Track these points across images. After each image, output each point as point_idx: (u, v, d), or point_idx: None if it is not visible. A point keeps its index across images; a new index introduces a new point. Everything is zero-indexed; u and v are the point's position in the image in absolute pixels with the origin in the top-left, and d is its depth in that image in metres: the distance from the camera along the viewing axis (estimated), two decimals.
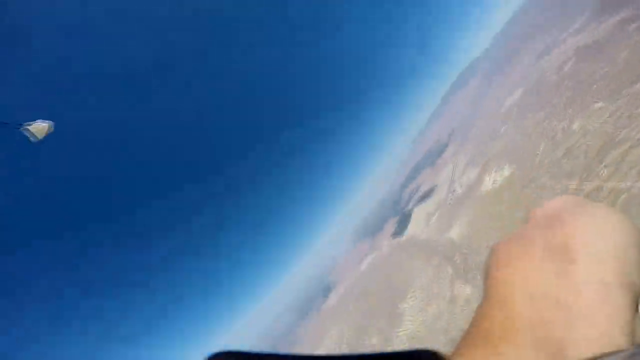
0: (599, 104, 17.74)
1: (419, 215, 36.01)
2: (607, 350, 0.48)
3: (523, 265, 0.60)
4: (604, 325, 0.50)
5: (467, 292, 17.21)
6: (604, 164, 14.07)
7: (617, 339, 0.49)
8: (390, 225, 43.69)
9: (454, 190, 30.52)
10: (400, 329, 19.31)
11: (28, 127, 8.37)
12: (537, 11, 52.89)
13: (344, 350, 24.91)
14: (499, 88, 44.67)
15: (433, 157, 50.49)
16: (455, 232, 23.97)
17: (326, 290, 50.48)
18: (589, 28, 25.72)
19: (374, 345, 20.71)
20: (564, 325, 0.51)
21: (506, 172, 22.65)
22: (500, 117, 34.90)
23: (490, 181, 24.19)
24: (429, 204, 34.80)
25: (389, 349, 18.82)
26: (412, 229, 34.50)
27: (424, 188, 40.58)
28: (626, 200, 12.24)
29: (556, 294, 0.55)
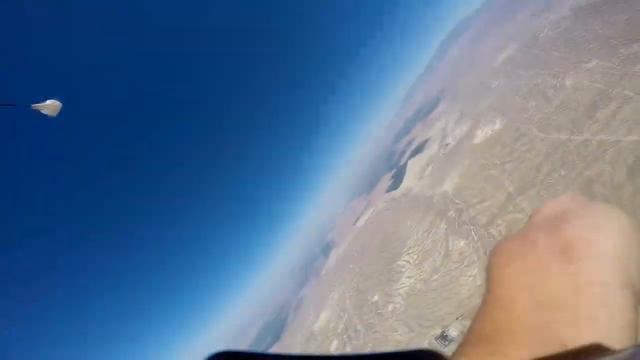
0: (593, 63, 17.63)
1: (412, 168, 36.21)
2: (609, 351, 0.49)
3: (525, 265, 0.62)
4: (605, 325, 0.52)
5: (462, 245, 17.84)
6: (594, 119, 14.23)
7: (618, 338, 0.51)
8: (386, 180, 44.08)
9: (446, 144, 30.61)
10: (400, 286, 20.10)
11: (39, 106, 8.38)
12: None
13: (348, 307, 26.00)
14: (493, 42, 43.57)
15: (426, 110, 50.09)
16: (448, 185, 24.31)
17: (326, 250, 51.62)
18: None
19: (376, 302, 21.60)
20: (565, 325, 0.53)
21: (497, 125, 22.78)
22: (493, 72, 34.47)
23: (482, 134, 24.35)
24: (423, 157, 34.96)
25: (390, 306, 19.76)
26: (406, 182, 34.89)
27: (417, 141, 40.61)
28: (614, 154, 12.57)
29: (558, 294, 0.56)
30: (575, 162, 13.43)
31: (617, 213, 0.64)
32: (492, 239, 15.43)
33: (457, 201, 20.71)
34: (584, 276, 0.56)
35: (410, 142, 44.43)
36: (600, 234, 0.60)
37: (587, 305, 0.53)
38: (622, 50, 16.22)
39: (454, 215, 20.02)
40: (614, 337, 0.51)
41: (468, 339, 0.61)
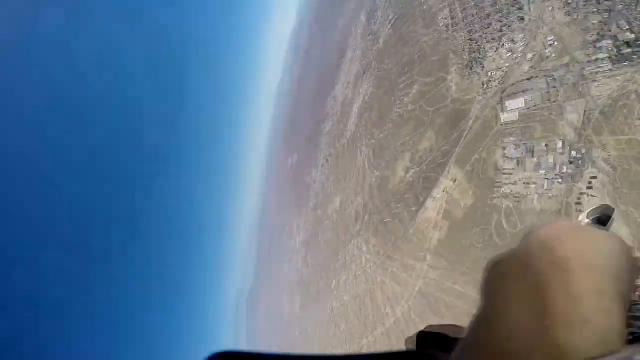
0: (343, 277, 22.35)
1: None
2: (604, 354, 0.54)
3: (523, 277, 0.66)
4: (601, 331, 0.57)
5: None
6: (383, 309, 18.01)
7: (613, 344, 0.56)
8: None
9: None
10: None
11: None
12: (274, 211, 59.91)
13: None
14: (275, 301, 47.36)
15: None
16: None
17: None
18: (304, 226, 31.73)
19: None
20: (563, 332, 0.57)
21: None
22: (293, 330, 37.02)
23: None
24: None
25: None
26: None
27: None
28: (402, 328, 15.57)
29: (555, 302, 0.60)
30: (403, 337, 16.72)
31: (608, 234, 0.76)
32: None
33: None
34: (581, 285, 0.63)
35: None
36: (594, 249, 0.69)
37: (585, 312, 0.60)
38: (344, 255, 20.74)
39: None
40: (610, 342, 0.57)
41: (465, 345, 0.70)
